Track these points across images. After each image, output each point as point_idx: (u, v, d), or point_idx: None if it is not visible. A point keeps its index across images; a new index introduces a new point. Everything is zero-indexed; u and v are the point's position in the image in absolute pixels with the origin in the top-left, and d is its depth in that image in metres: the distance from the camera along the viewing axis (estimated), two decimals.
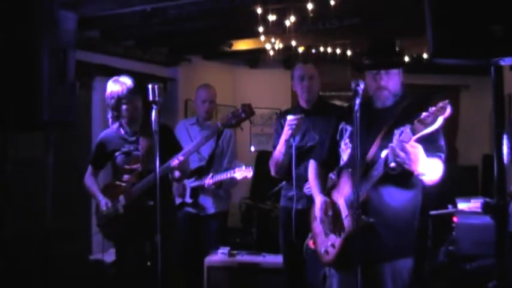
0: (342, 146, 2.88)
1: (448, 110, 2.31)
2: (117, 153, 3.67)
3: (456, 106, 7.65)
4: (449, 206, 4.61)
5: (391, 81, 2.74)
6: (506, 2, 1.74)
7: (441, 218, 4.66)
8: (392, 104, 2.79)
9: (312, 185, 3.06)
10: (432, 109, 2.34)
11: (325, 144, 3.07)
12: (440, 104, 2.32)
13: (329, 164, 3.02)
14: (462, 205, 4.43)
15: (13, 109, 2.37)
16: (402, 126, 2.60)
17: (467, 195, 4.63)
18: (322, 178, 3.02)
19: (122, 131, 3.70)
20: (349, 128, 2.87)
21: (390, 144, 2.47)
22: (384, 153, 2.57)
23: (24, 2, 2.39)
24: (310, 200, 3.18)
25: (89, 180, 3.85)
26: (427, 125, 2.35)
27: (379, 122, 2.72)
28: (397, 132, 2.60)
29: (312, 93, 3.73)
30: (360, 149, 2.46)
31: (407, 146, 2.40)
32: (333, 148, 2.98)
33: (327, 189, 2.93)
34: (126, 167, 3.63)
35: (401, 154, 2.41)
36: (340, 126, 2.94)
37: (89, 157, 3.94)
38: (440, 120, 2.33)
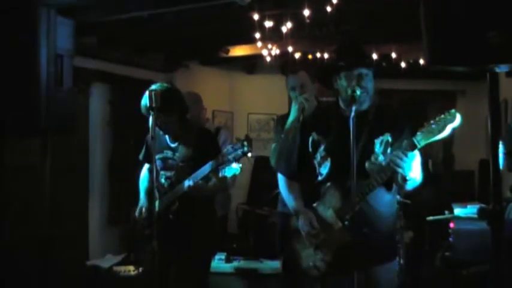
0: (318, 159, 2.77)
1: (458, 119, 2.26)
2: (157, 157, 3.46)
3: None
4: (446, 212, 4.62)
5: (370, 84, 2.65)
6: (502, 10, 1.75)
7: (438, 224, 4.68)
8: (365, 109, 2.70)
9: (287, 200, 2.94)
10: (440, 117, 2.30)
11: (293, 156, 2.93)
12: (449, 113, 2.28)
13: (299, 176, 2.90)
14: (458, 211, 4.44)
15: (11, 115, 2.38)
16: (381, 134, 2.60)
17: (464, 200, 4.64)
18: (296, 191, 2.90)
19: (166, 135, 3.53)
20: (323, 139, 2.78)
21: (390, 157, 2.45)
22: (368, 165, 2.56)
23: (22, 9, 2.40)
24: None
25: (141, 178, 3.68)
26: (434, 134, 2.32)
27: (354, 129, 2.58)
28: (377, 142, 2.60)
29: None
30: (340, 159, 2.42)
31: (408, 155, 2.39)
32: (303, 160, 2.85)
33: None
34: (162, 173, 3.49)
35: (402, 164, 2.38)
36: (311, 138, 2.82)
37: (141, 153, 3.67)
38: (448, 129, 2.29)
